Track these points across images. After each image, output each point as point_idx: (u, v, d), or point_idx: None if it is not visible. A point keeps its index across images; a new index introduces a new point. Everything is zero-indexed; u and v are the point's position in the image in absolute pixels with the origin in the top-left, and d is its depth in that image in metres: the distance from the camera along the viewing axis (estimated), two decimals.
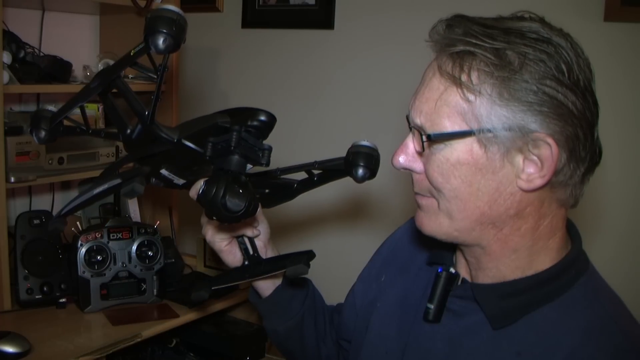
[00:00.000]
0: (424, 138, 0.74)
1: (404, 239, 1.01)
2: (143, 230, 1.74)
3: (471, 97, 0.71)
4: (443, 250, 0.89)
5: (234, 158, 0.79)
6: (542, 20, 0.74)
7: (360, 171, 0.86)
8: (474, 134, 0.72)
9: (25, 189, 1.94)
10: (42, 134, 0.85)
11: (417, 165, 0.79)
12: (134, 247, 1.72)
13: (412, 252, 0.97)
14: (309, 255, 0.91)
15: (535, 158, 0.71)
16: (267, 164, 0.81)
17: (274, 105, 2.40)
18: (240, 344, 1.95)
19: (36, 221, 1.69)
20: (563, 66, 0.70)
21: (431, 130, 0.74)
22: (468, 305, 0.81)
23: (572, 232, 0.82)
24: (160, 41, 0.69)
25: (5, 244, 1.61)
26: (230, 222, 0.84)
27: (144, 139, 0.82)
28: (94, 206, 2.02)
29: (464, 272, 0.86)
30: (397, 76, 2.09)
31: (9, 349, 1.40)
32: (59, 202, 2.06)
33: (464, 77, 0.71)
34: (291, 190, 0.96)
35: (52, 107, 0.82)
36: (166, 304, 1.75)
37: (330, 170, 0.92)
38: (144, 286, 1.72)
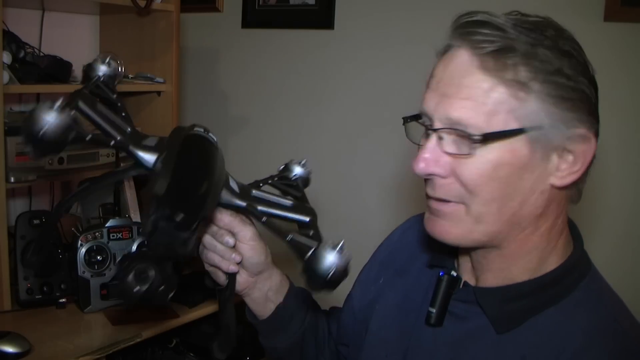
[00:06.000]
0: (476, 138, 0.69)
1: (402, 241, 1.00)
2: None
3: (521, 94, 0.68)
4: (443, 253, 0.88)
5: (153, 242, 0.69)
6: (548, 19, 0.73)
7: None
8: (525, 131, 0.69)
9: (25, 189, 1.94)
10: None
11: (443, 169, 0.73)
12: (134, 247, 1.70)
13: (411, 254, 0.95)
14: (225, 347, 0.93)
15: (569, 154, 0.71)
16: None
17: (273, 105, 2.43)
18: (240, 344, 1.94)
19: (36, 221, 1.68)
20: (586, 60, 0.71)
21: (477, 130, 0.69)
22: (471, 309, 0.80)
23: (573, 231, 0.82)
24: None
25: (5, 244, 1.60)
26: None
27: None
28: (94, 206, 2.02)
29: (466, 275, 0.85)
30: (397, 76, 2.09)
31: (9, 349, 1.39)
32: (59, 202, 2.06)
33: (510, 75, 0.68)
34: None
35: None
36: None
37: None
38: None
